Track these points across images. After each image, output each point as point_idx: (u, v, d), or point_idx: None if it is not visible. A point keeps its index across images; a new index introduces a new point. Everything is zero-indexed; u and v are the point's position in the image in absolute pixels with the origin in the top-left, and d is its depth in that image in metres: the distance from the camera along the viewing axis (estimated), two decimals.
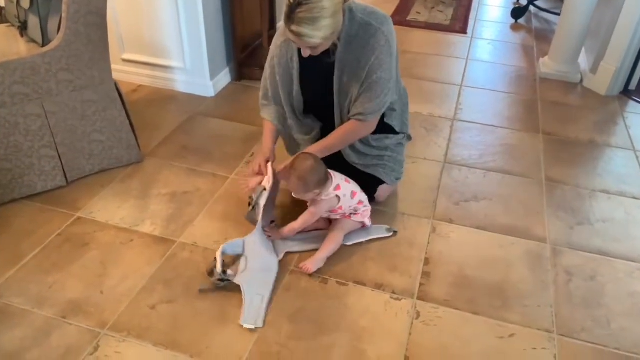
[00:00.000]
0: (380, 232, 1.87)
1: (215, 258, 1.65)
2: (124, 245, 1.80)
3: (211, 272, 1.63)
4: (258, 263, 1.70)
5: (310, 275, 1.70)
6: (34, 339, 1.47)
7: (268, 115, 1.87)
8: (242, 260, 1.70)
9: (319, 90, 1.76)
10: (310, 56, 1.61)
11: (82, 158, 2.06)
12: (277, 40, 1.77)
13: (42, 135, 1.92)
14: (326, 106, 1.78)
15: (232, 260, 1.73)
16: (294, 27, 1.48)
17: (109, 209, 1.95)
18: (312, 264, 1.70)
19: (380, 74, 1.66)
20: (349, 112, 1.75)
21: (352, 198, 1.75)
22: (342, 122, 1.78)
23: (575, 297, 1.67)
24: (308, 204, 1.76)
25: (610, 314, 1.62)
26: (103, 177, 2.11)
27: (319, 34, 1.49)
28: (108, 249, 1.78)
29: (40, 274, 1.68)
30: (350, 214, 1.80)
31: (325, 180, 1.68)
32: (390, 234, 1.87)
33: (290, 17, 1.48)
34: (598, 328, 1.57)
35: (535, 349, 1.50)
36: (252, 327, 1.52)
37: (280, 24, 3.34)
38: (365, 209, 1.82)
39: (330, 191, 1.70)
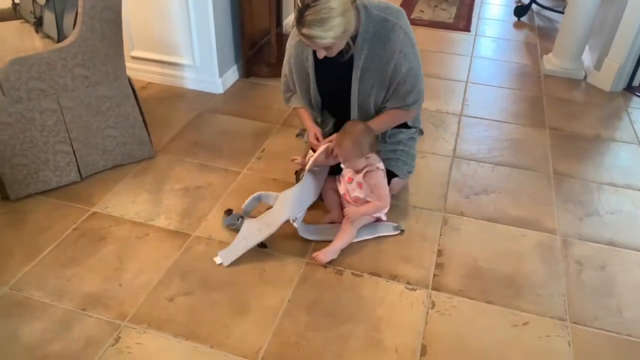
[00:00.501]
0: (388, 229, 1.88)
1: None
2: (140, 240, 1.82)
3: (229, 212, 1.81)
4: (269, 215, 1.76)
5: (325, 266, 1.72)
6: (55, 331, 1.49)
7: (298, 103, 1.91)
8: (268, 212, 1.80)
9: (336, 87, 1.79)
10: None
11: (95, 154, 2.07)
12: (291, 40, 1.80)
13: (57, 131, 1.94)
14: (342, 102, 1.81)
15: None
16: (304, 30, 1.50)
17: (124, 203, 1.97)
18: (325, 254, 1.72)
19: (409, 64, 1.69)
20: (378, 106, 1.79)
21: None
22: (356, 109, 1.82)
23: (587, 287, 1.70)
24: (356, 179, 1.78)
25: (622, 303, 1.64)
26: (116, 172, 2.13)
27: (330, 34, 1.50)
28: (124, 243, 1.80)
29: (58, 268, 1.69)
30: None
31: (375, 144, 1.75)
32: (398, 232, 1.88)
33: (300, 21, 1.49)
34: (610, 316, 1.60)
35: (549, 336, 1.53)
36: (219, 261, 1.63)
37: (288, 21, 3.37)
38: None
39: (377, 161, 1.77)
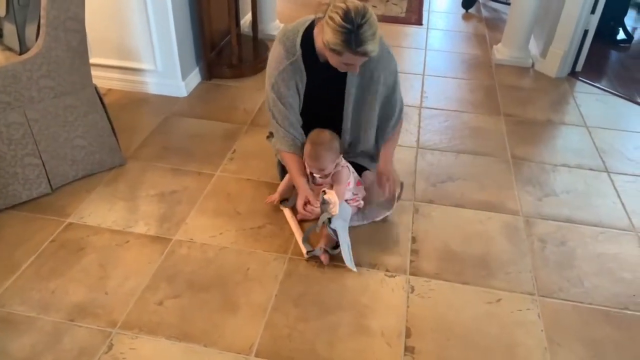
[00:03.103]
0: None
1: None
2: (121, 247, 1.82)
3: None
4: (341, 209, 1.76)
5: (307, 260, 1.79)
6: (45, 343, 1.49)
7: (287, 146, 1.85)
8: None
9: (327, 101, 1.84)
10: (319, 69, 1.69)
11: (65, 164, 2.05)
12: (278, 65, 1.74)
13: (25, 144, 1.91)
14: (334, 118, 1.88)
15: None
16: (361, 48, 1.54)
17: (99, 212, 1.97)
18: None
19: (394, 77, 1.84)
20: (373, 115, 1.88)
21: (352, 173, 1.89)
22: (349, 123, 1.89)
23: (550, 262, 1.83)
24: (329, 181, 1.83)
25: (582, 274, 1.79)
26: (87, 182, 2.11)
27: (377, 44, 1.59)
28: (105, 251, 1.80)
29: (40, 281, 1.68)
30: (353, 194, 1.90)
31: (341, 146, 1.84)
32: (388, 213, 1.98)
33: (356, 41, 1.53)
34: (573, 287, 1.74)
35: (520, 310, 1.65)
36: (355, 269, 1.74)
37: (245, 21, 3.38)
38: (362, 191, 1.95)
39: (342, 160, 1.84)
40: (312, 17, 1.74)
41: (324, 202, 1.72)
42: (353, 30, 1.52)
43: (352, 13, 1.52)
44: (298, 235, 1.87)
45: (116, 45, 2.66)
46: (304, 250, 1.79)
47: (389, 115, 1.90)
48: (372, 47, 1.57)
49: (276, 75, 1.76)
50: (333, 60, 1.65)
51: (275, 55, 1.77)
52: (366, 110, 1.86)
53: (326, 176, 1.84)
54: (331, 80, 1.76)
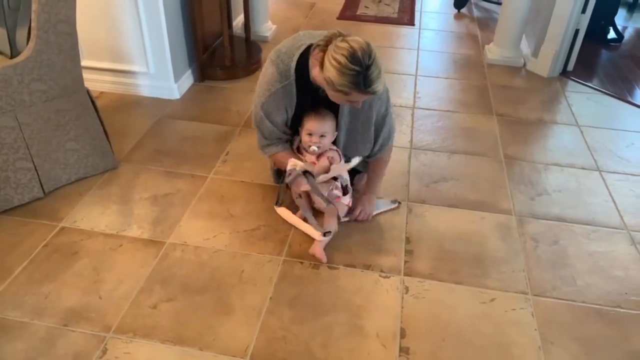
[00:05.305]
0: (387, 205, 2.04)
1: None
2: (114, 251, 1.82)
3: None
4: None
5: (302, 262, 1.79)
6: (39, 349, 1.48)
7: (276, 149, 1.89)
8: None
9: None
10: (311, 94, 1.70)
11: (58, 168, 2.04)
12: (270, 87, 1.73)
13: (16, 148, 1.90)
14: None
15: None
16: (371, 88, 1.53)
17: (92, 216, 1.96)
18: (319, 251, 1.80)
19: (387, 108, 1.83)
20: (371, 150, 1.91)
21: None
22: (341, 145, 1.89)
23: (543, 261, 1.84)
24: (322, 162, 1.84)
25: (575, 273, 1.80)
26: (80, 185, 2.11)
27: (384, 81, 1.58)
28: (98, 255, 1.80)
29: (33, 286, 1.67)
30: (345, 186, 1.88)
31: None
32: (396, 205, 2.04)
33: (364, 82, 1.50)
34: (566, 286, 1.75)
35: (514, 309, 1.66)
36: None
37: (237, 22, 3.38)
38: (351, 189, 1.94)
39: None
40: (307, 39, 1.71)
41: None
42: (362, 72, 1.49)
43: (358, 54, 1.48)
44: (304, 226, 1.89)
45: (108, 48, 2.65)
46: (318, 234, 1.81)
47: (377, 138, 1.89)
48: (380, 86, 1.55)
49: (267, 96, 1.74)
50: (336, 98, 1.63)
51: (267, 76, 1.74)
52: (359, 133, 1.86)
53: (319, 156, 1.82)
54: (322, 104, 1.74)
